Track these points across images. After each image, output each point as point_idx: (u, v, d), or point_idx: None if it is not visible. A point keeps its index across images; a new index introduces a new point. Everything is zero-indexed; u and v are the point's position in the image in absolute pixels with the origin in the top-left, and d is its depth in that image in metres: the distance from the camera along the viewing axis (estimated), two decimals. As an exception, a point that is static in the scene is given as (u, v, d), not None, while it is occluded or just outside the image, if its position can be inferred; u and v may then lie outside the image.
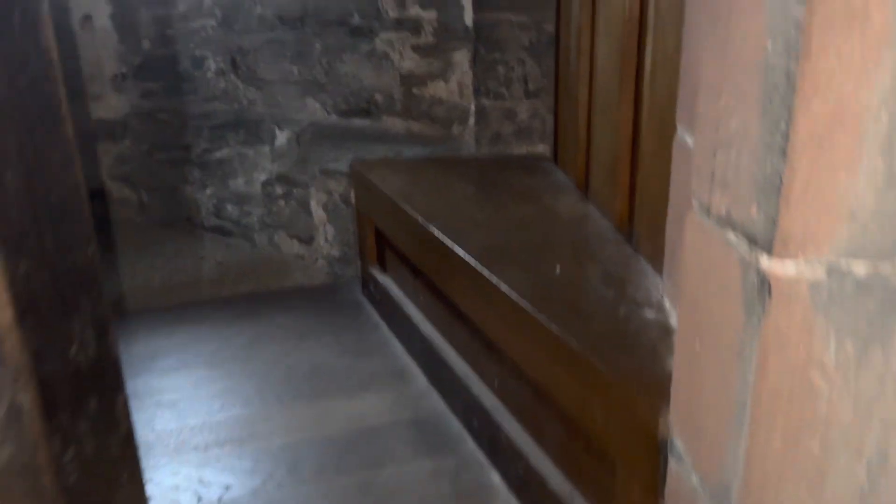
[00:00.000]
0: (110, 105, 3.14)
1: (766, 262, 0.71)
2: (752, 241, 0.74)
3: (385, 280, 2.33)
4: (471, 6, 2.36)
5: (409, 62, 2.72)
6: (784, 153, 0.68)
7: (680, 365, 0.95)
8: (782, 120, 0.68)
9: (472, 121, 2.60)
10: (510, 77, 2.35)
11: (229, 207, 3.06)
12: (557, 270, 1.49)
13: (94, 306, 0.83)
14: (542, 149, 2.40)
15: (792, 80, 0.66)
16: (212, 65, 3.25)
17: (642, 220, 1.56)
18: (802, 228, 0.69)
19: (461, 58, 2.58)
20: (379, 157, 2.58)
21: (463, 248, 1.62)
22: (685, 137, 1.18)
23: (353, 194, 2.51)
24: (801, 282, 0.71)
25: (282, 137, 3.05)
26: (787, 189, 0.68)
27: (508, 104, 2.38)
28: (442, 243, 1.72)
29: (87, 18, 2.99)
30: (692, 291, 0.90)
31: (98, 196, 3.19)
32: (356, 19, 2.77)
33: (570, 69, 2.04)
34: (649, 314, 1.29)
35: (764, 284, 0.72)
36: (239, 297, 2.55)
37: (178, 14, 3.17)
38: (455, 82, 2.63)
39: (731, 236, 0.78)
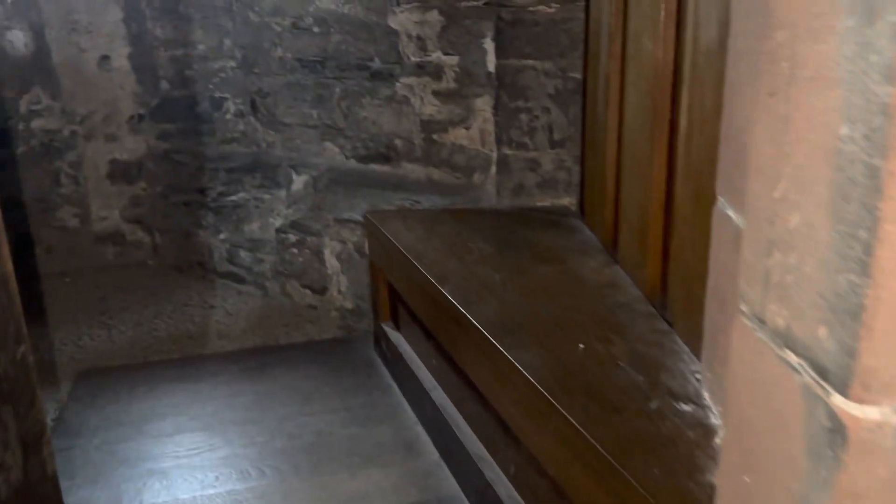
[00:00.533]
0: (126, 146, 3.08)
1: (839, 402, 0.56)
2: (821, 371, 0.58)
3: (397, 338, 2.19)
4: (494, 52, 2.25)
5: (430, 108, 2.61)
6: (866, 267, 0.53)
7: (725, 497, 0.79)
8: (862, 226, 0.53)
9: (493, 170, 2.48)
10: (534, 126, 2.22)
11: (242, 253, 2.96)
12: (581, 349, 1.34)
13: (21, 420, 0.70)
14: (568, 201, 2.26)
15: (876, 178, 0.51)
16: (231, 106, 3.19)
17: (676, 291, 1.41)
18: (891, 365, 0.53)
19: (483, 104, 2.46)
20: (394, 207, 2.46)
21: (475, 318, 1.48)
22: (727, 210, 1.04)
23: (367, 245, 2.39)
24: (885, 430, 0.55)
25: (298, 182, 2.95)
26: (870, 314, 0.53)
27: (532, 154, 2.25)
28: (454, 309, 1.58)
29: (105, 59, 2.95)
30: (741, 411, 0.74)
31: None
32: (377, 63, 2.68)
33: (598, 119, 1.91)
34: (686, 408, 1.13)
35: (837, 429, 0.57)
36: (245, 352, 2.42)
37: (197, 55, 3.12)
38: (477, 129, 2.52)
39: (792, 358, 0.63)
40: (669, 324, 1.44)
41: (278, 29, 2.89)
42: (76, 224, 3.06)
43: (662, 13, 1.40)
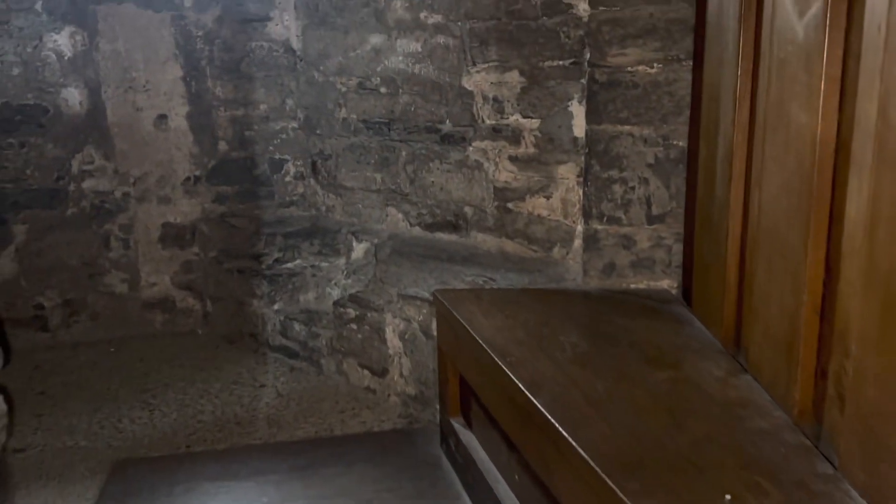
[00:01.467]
0: (180, 209, 2.92)
1: None
2: None
3: (469, 439, 1.91)
4: (583, 116, 2.01)
5: (506, 174, 2.38)
6: None
7: None
8: None
9: (577, 243, 2.21)
10: (629, 198, 1.96)
11: (297, 326, 2.73)
12: (727, 501, 1.04)
13: None
14: (667, 284, 1.98)
15: None
16: (291, 168, 3.02)
17: (844, 426, 1.10)
18: None
19: (567, 172, 2.22)
20: (467, 286, 2.21)
21: (583, 447, 1.20)
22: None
23: (434, 326, 2.14)
24: None
25: (359, 250, 2.74)
26: None
27: (626, 230, 1.98)
28: (552, 429, 1.30)
29: (162, 118, 2.81)
30: None
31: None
32: (447, 126, 2.47)
33: (715, 196, 1.64)
34: None
35: None
36: (296, 444, 2.17)
37: (258, 115, 2.96)
38: (558, 199, 2.27)
39: None
40: (832, 465, 1.13)
41: (343, 89, 2.72)
42: (124, 290, 2.89)
43: (823, 81, 1.13)
